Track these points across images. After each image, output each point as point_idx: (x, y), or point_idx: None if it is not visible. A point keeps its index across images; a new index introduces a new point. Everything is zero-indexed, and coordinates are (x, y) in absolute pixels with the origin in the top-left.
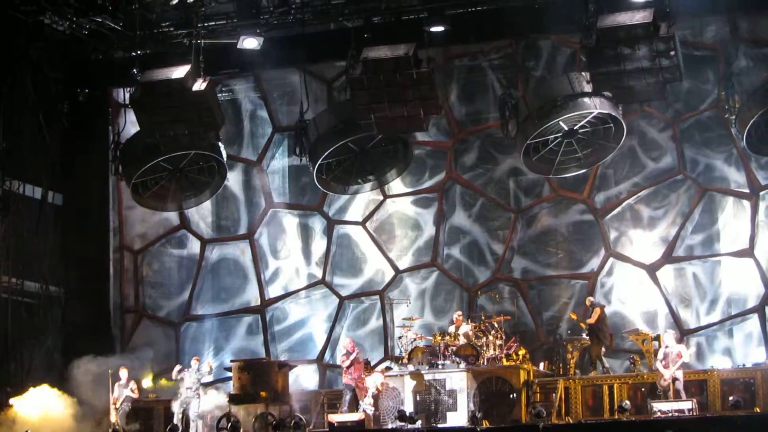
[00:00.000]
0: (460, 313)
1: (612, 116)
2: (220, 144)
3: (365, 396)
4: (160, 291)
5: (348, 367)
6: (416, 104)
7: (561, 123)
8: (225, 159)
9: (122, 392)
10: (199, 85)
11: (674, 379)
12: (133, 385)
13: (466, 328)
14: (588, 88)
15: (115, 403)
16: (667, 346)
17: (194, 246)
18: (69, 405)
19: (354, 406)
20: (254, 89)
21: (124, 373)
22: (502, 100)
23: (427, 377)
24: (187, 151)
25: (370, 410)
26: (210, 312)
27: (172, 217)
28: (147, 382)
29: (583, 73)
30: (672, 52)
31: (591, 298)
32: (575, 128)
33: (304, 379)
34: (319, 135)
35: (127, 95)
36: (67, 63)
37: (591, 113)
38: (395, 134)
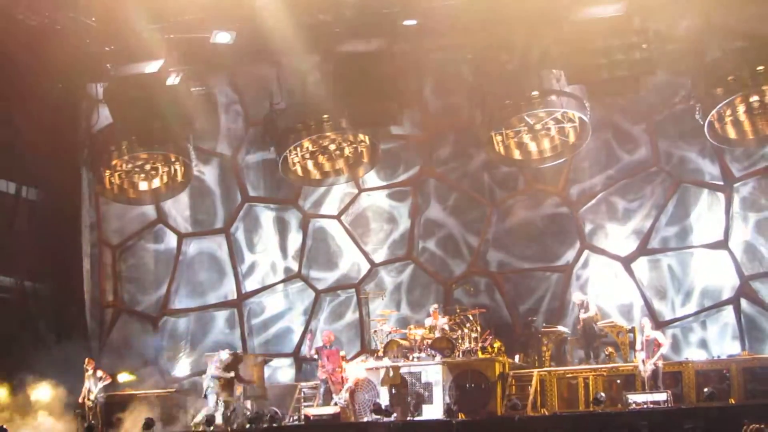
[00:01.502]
0: (436, 306)
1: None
2: (189, 144)
3: (340, 390)
4: (138, 286)
5: (318, 359)
6: (391, 98)
7: (526, 118)
8: (193, 156)
9: (92, 383)
10: (173, 80)
11: (654, 372)
12: (102, 374)
13: (443, 321)
14: (557, 86)
15: (87, 396)
16: (646, 336)
17: (171, 240)
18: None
19: (328, 399)
20: (228, 83)
21: (89, 365)
22: (475, 88)
23: (403, 370)
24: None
25: (343, 404)
26: (187, 306)
27: (150, 211)
28: (123, 377)
29: (554, 71)
30: (645, 45)
31: (582, 295)
32: (541, 125)
33: (280, 372)
34: (288, 127)
35: (101, 90)
36: (40, 57)
37: (557, 111)
38: (369, 128)
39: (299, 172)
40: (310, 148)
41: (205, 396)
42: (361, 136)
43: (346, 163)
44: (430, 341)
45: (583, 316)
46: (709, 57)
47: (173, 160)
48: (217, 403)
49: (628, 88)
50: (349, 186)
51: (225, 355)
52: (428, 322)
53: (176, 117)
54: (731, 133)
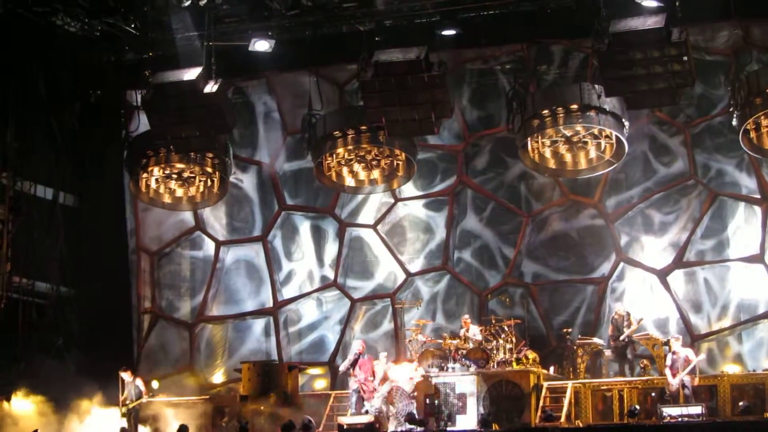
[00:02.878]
0: (467, 316)
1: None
2: (229, 154)
3: (372, 398)
4: (176, 292)
5: (354, 369)
6: (427, 108)
7: (563, 130)
8: (232, 165)
9: (131, 390)
10: (211, 87)
11: (683, 385)
12: (141, 384)
13: (474, 329)
14: (597, 102)
15: (124, 403)
16: (674, 352)
17: (209, 248)
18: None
19: (360, 408)
20: (267, 92)
21: (127, 375)
22: (513, 93)
23: (437, 380)
24: (197, 152)
25: (375, 411)
26: (224, 313)
27: (188, 218)
28: (155, 384)
29: (596, 86)
30: (684, 57)
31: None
32: (578, 138)
33: (315, 381)
34: (326, 133)
35: (140, 97)
36: (79, 64)
37: (594, 127)
38: (406, 137)
39: (333, 177)
40: (347, 156)
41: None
42: (397, 151)
43: (382, 174)
44: (464, 351)
45: (626, 332)
46: (748, 69)
47: (210, 171)
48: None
49: (667, 100)
50: (385, 195)
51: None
52: (461, 331)
53: (214, 125)
54: (767, 143)
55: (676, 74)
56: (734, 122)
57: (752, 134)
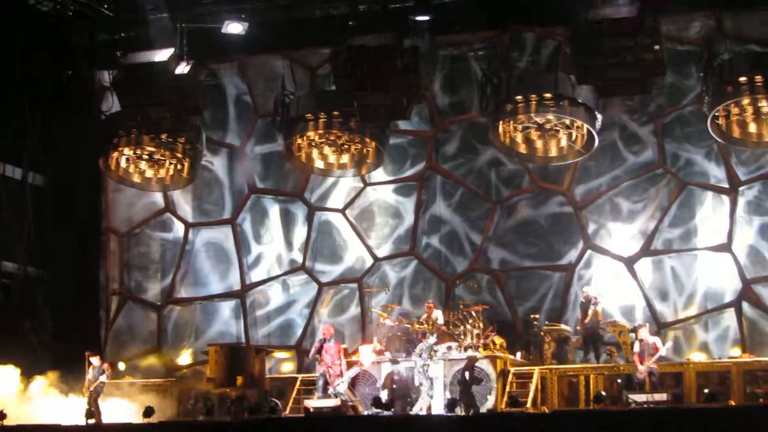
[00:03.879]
0: (431, 301)
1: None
2: (200, 138)
3: (336, 382)
4: (145, 274)
5: (320, 354)
6: (400, 93)
7: (534, 117)
8: (203, 148)
9: (96, 375)
10: (182, 69)
11: (650, 373)
12: (106, 367)
13: (437, 314)
14: (571, 92)
15: (88, 387)
16: (641, 340)
17: (179, 229)
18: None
19: (326, 392)
20: (238, 75)
21: (95, 360)
22: (486, 77)
23: (405, 365)
24: (168, 133)
25: (342, 394)
26: (193, 296)
27: (158, 200)
28: (121, 366)
29: (571, 77)
30: (656, 47)
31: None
32: (550, 125)
33: (282, 364)
34: (298, 115)
35: (111, 77)
36: (51, 44)
37: (566, 117)
38: (378, 122)
39: (303, 159)
40: (317, 139)
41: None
42: (367, 138)
43: (351, 159)
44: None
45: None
46: (720, 59)
47: (180, 156)
48: None
49: (638, 89)
50: (355, 180)
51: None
52: (424, 316)
53: (185, 107)
54: (735, 131)
55: (647, 63)
56: (704, 108)
57: (721, 121)
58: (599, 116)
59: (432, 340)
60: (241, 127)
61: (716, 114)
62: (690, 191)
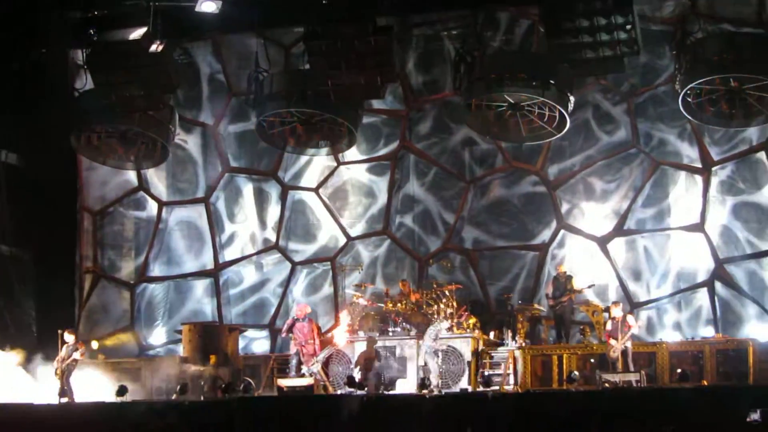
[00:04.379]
0: (407, 279)
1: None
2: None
3: (310, 361)
4: (119, 252)
5: (293, 332)
6: (374, 72)
7: (507, 96)
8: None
9: (69, 352)
10: (156, 47)
11: (624, 352)
12: (79, 346)
13: (413, 292)
14: (545, 73)
15: (60, 363)
16: (614, 318)
17: (152, 208)
18: None
19: (299, 371)
20: (212, 53)
21: (70, 337)
22: (459, 56)
23: (378, 344)
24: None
25: (316, 373)
26: (166, 274)
27: (131, 178)
28: (94, 345)
29: (548, 57)
30: (630, 26)
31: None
32: (521, 104)
33: (255, 343)
34: (271, 93)
35: (84, 56)
36: (23, 22)
37: (538, 99)
38: (352, 101)
39: (275, 137)
40: (289, 118)
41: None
42: (340, 120)
43: (323, 138)
44: (406, 315)
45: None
46: (693, 38)
47: (152, 136)
48: None
49: (612, 68)
50: (328, 159)
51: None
52: (399, 295)
53: (159, 85)
54: (707, 110)
55: (621, 43)
56: (677, 86)
57: (693, 100)
58: (572, 97)
59: (446, 324)
60: (214, 106)
61: (688, 92)
62: (663, 171)
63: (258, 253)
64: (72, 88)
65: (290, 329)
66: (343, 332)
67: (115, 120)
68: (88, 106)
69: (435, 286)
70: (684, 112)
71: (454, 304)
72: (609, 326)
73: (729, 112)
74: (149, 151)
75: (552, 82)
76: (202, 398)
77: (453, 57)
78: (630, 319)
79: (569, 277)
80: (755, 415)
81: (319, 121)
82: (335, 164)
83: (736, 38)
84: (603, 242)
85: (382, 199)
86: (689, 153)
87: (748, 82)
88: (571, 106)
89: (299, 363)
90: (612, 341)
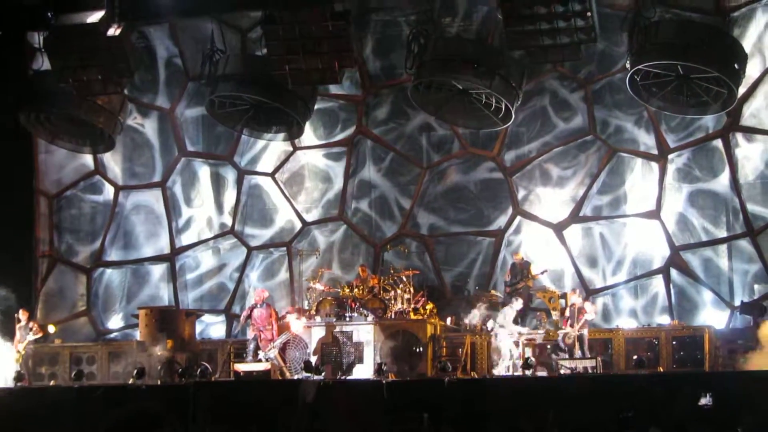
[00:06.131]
0: (364, 264)
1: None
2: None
3: (267, 347)
4: (76, 237)
5: (251, 317)
6: (331, 57)
7: (455, 82)
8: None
9: (23, 335)
10: (114, 31)
11: (579, 338)
12: (33, 325)
13: (370, 277)
14: (497, 63)
15: (16, 346)
16: (572, 305)
17: (109, 192)
18: None
19: (256, 356)
20: (169, 37)
21: (23, 315)
22: (413, 36)
23: (335, 329)
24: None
25: (272, 359)
26: (123, 258)
27: (88, 162)
28: (51, 329)
29: (502, 47)
30: (588, 13)
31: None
32: (469, 91)
33: (212, 328)
34: (225, 74)
35: (42, 39)
36: None
37: (485, 91)
38: (308, 86)
39: (224, 118)
40: (241, 101)
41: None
42: (288, 110)
43: (276, 124)
44: (363, 301)
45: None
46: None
47: (101, 125)
48: None
49: (569, 55)
50: (285, 144)
51: None
52: (356, 281)
53: (116, 69)
54: (654, 92)
55: (579, 30)
56: (627, 65)
57: (640, 80)
58: (520, 91)
59: (518, 305)
60: (171, 90)
61: (637, 75)
62: (620, 158)
63: (214, 237)
64: (28, 68)
65: (249, 315)
66: (296, 320)
67: (65, 105)
68: (40, 88)
69: (392, 271)
70: (631, 93)
71: (411, 289)
72: (567, 313)
73: (678, 99)
74: (98, 137)
75: (500, 73)
76: (158, 382)
77: (407, 36)
78: (587, 305)
79: (527, 264)
80: (705, 399)
81: (271, 108)
82: (292, 149)
83: (690, 26)
84: (559, 229)
85: (339, 184)
86: (646, 140)
87: (696, 72)
88: (518, 101)
89: (257, 348)
90: (567, 328)
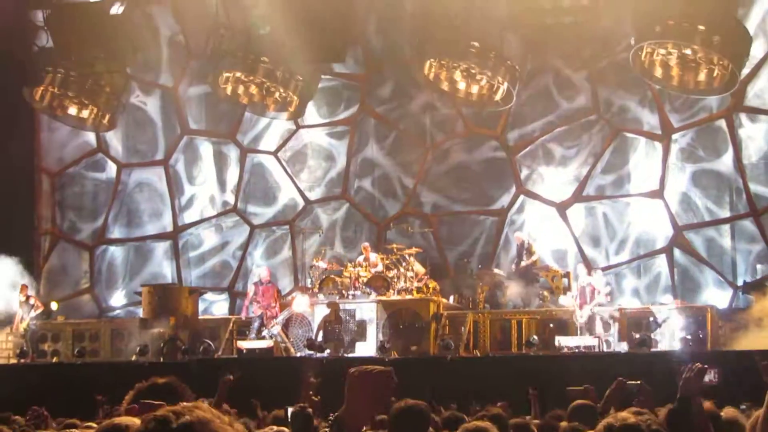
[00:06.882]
0: (367, 243)
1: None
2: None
3: (271, 324)
4: (79, 214)
5: (256, 296)
6: (335, 35)
7: (459, 61)
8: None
9: (25, 311)
10: (117, 9)
11: (590, 317)
12: (34, 301)
13: (374, 256)
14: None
15: (18, 324)
16: (588, 284)
17: (112, 170)
18: None
19: (260, 334)
20: (172, 15)
21: (23, 292)
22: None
23: (338, 307)
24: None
25: (276, 336)
26: (126, 236)
27: (90, 140)
28: (54, 306)
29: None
30: None
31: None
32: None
33: (215, 306)
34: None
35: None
36: None
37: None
38: (312, 64)
39: (228, 91)
40: (244, 78)
41: None
42: (291, 92)
43: (275, 103)
44: (365, 279)
45: (526, 261)
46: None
47: (101, 106)
48: None
49: (573, 34)
50: (288, 122)
51: None
52: (360, 259)
53: (119, 47)
54: (657, 71)
55: (582, 9)
56: (631, 41)
57: (645, 58)
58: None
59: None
60: (174, 68)
61: (640, 49)
62: (623, 138)
63: (217, 215)
64: (34, 46)
65: (255, 293)
66: (301, 299)
67: (68, 85)
68: (46, 64)
69: (395, 250)
70: (632, 66)
71: (414, 268)
72: (575, 291)
73: (679, 78)
74: (99, 117)
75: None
76: (161, 360)
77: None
78: (594, 281)
79: (525, 243)
80: (709, 376)
81: (271, 86)
82: (295, 128)
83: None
84: (562, 208)
85: (342, 162)
86: (649, 120)
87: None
88: (517, 85)
89: (261, 325)
90: (577, 309)
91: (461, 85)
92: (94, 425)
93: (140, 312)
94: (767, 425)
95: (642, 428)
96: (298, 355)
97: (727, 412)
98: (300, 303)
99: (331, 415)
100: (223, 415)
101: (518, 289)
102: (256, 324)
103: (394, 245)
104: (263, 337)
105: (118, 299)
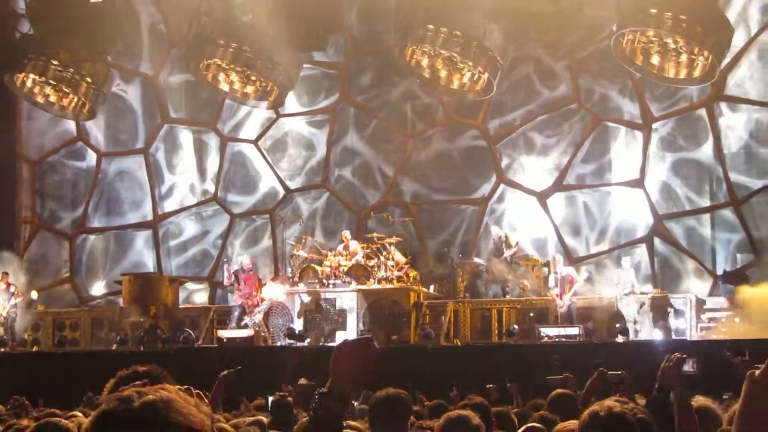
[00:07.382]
0: (347, 231)
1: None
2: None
3: (254, 313)
4: (60, 203)
5: (239, 285)
6: (316, 23)
7: (440, 50)
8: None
9: (5, 299)
10: None
11: (569, 306)
12: (14, 289)
13: (354, 245)
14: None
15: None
16: (557, 273)
17: (92, 158)
18: None
19: (240, 323)
20: (153, 3)
21: (2, 279)
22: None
23: (318, 296)
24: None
25: (256, 325)
26: (106, 225)
27: (71, 128)
28: (34, 295)
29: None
30: None
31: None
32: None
33: (195, 295)
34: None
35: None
36: None
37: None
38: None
39: (209, 78)
40: (224, 65)
41: None
42: (271, 81)
43: (255, 91)
44: (346, 268)
45: (507, 253)
46: None
47: (82, 95)
48: None
49: (555, 23)
50: (268, 111)
51: None
52: (340, 248)
53: (100, 35)
54: (637, 58)
55: None
56: (613, 27)
57: (626, 44)
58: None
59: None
60: (154, 57)
61: (622, 36)
62: (604, 127)
63: (197, 204)
64: (15, 30)
65: (237, 280)
66: (275, 287)
67: (48, 73)
68: (27, 51)
69: (376, 239)
70: (614, 53)
71: (394, 257)
72: (552, 281)
73: (659, 66)
74: (79, 106)
75: (486, 45)
76: (141, 349)
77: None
78: (573, 272)
79: (503, 236)
80: (687, 366)
81: (252, 74)
82: (275, 116)
83: None
84: (542, 197)
85: (322, 151)
86: (630, 109)
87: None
88: (498, 76)
89: (242, 314)
90: (557, 299)
91: (443, 74)
92: (79, 413)
93: (121, 301)
94: (744, 418)
95: (628, 417)
96: (279, 344)
97: (698, 400)
98: (272, 290)
99: (317, 392)
100: (192, 398)
101: (502, 267)
102: (236, 313)
103: (375, 234)
104: (244, 326)
105: (98, 288)
